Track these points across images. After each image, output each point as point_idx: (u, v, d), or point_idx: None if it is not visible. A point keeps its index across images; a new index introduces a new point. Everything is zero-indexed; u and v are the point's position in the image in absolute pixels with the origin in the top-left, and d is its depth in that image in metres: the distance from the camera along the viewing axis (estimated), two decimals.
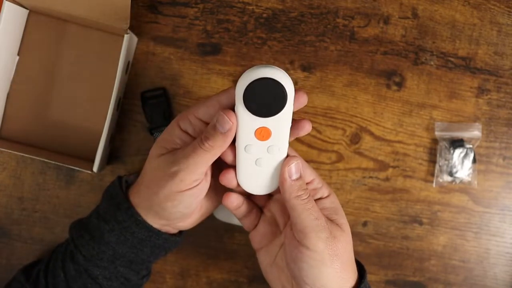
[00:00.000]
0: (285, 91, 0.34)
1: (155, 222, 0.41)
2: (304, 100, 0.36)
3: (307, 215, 0.37)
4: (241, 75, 0.34)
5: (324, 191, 0.40)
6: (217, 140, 0.35)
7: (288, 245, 0.39)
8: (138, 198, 0.41)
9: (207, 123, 0.37)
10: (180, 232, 0.45)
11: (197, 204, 0.40)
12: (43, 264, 0.46)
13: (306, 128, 0.37)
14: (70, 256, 0.43)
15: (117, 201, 0.41)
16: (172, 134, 0.38)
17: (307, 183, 0.40)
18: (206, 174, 0.38)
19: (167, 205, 0.38)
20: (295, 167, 0.38)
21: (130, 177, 0.45)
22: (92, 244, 0.42)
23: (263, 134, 0.36)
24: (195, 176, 0.37)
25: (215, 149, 0.35)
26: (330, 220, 0.39)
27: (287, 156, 0.38)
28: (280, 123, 0.36)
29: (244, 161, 0.37)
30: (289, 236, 0.39)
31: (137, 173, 0.44)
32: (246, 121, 0.35)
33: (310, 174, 0.40)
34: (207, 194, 0.41)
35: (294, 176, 0.37)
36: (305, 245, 0.37)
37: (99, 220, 0.42)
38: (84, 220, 0.44)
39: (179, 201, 0.38)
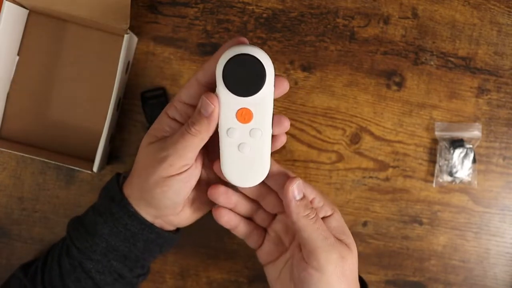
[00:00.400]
0: (264, 68, 0.33)
1: (147, 213, 0.41)
2: (285, 85, 0.36)
3: (317, 236, 0.37)
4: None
5: (327, 210, 0.40)
6: (202, 124, 0.35)
7: (296, 267, 0.39)
8: (130, 189, 0.41)
9: (191, 105, 0.38)
10: (177, 230, 0.45)
11: (187, 192, 0.39)
12: (41, 260, 0.46)
13: (285, 124, 0.37)
14: (66, 251, 0.43)
15: (112, 193, 0.42)
16: (161, 122, 0.39)
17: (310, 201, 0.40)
18: (196, 160, 0.38)
19: (156, 191, 0.38)
20: (298, 187, 0.38)
21: (128, 173, 0.45)
22: (86, 237, 0.42)
23: (244, 115, 0.35)
24: (184, 161, 0.37)
25: (202, 134, 0.36)
26: (338, 240, 0.39)
27: (289, 177, 0.38)
28: (261, 104, 0.35)
29: (227, 147, 0.37)
30: (297, 258, 0.39)
31: None
32: (226, 102, 0.35)
33: (310, 193, 0.39)
34: (199, 188, 0.41)
35: (298, 197, 0.37)
36: (314, 267, 0.37)
37: (95, 213, 0.42)
38: (81, 215, 0.45)
39: (168, 186, 0.38)
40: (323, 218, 0.40)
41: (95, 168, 0.48)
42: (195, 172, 0.39)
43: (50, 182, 0.54)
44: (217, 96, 0.35)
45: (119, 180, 0.43)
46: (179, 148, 0.36)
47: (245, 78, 0.33)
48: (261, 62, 0.33)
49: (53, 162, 0.49)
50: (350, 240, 0.39)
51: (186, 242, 0.54)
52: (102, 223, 0.41)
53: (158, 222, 0.42)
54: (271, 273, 0.43)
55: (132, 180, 0.41)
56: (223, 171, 0.38)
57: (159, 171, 0.37)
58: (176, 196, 0.39)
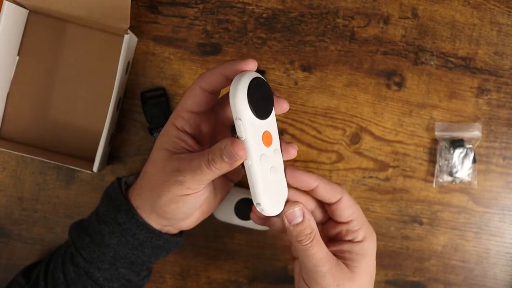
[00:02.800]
0: (271, 88, 0.34)
1: (157, 223, 0.41)
2: (285, 106, 0.37)
3: (308, 261, 0.37)
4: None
5: (358, 235, 0.39)
6: (223, 167, 0.35)
7: (299, 276, 0.40)
8: (140, 201, 0.41)
9: (199, 113, 0.38)
10: (181, 231, 0.45)
11: (202, 204, 0.40)
12: (42, 266, 0.46)
13: (292, 153, 0.37)
14: (70, 259, 0.43)
15: (117, 203, 0.41)
16: (169, 135, 0.38)
17: (345, 222, 0.39)
18: None
19: (171, 207, 0.38)
20: (299, 212, 0.37)
21: (129, 178, 0.45)
22: (92, 247, 0.42)
23: (267, 138, 0.35)
24: (202, 185, 0.37)
25: (221, 171, 0.35)
26: (347, 264, 0.38)
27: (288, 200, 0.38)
28: (273, 123, 0.35)
29: (261, 175, 0.34)
30: (298, 272, 0.40)
31: (136, 174, 0.44)
32: (253, 128, 0.33)
33: (350, 215, 0.39)
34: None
35: (296, 221, 0.37)
36: (309, 285, 0.38)
37: (99, 222, 0.42)
38: (84, 222, 0.44)
39: (183, 203, 0.38)
40: (350, 241, 0.39)
41: (95, 168, 0.48)
42: (210, 188, 0.39)
43: (50, 182, 0.54)
44: (241, 121, 0.33)
45: (121, 185, 0.43)
46: (196, 178, 0.36)
47: (262, 101, 0.34)
48: (268, 84, 0.34)
49: (53, 162, 0.49)
50: (362, 268, 0.39)
51: (186, 242, 0.54)
52: (109, 233, 0.41)
53: (165, 229, 0.42)
54: (297, 266, 0.43)
55: (142, 192, 0.40)
56: (261, 204, 0.35)
57: (175, 190, 0.37)
58: (190, 210, 0.39)
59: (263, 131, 0.34)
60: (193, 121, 0.38)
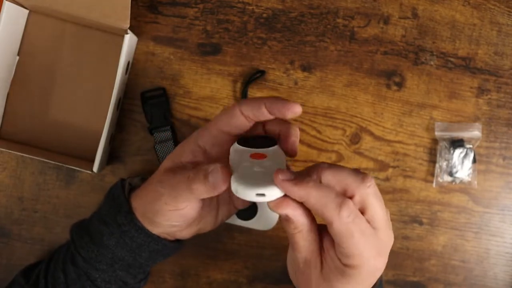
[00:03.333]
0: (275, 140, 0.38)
1: (151, 229, 0.41)
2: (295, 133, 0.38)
3: (290, 240, 0.36)
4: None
5: (346, 260, 0.34)
6: (204, 191, 0.35)
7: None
8: (138, 201, 0.41)
9: (228, 135, 0.38)
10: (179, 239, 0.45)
11: (189, 220, 0.39)
12: (43, 265, 0.46)
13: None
14: (70, 258, 0.43)
15: (118, 203, 0.41)
16: (184, 145, 0.39)
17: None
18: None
19: (157, 216, 0.39)
20: (285, 215, 0.34)
21: (134, 179, 0.45)
22: (91, 247, 0.42)
23: (258, 156, 0.35)
24: (179, 204, 0.37)
25: (201, 195, 0.35)
26: (323, 267, 0.36)
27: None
28: (274, 153, 0.36)
29: (241, 167, 0.34)
30: None
31: (142, 175, 0.44)
32: (240, 150, 0.36)
33: (341, 243, 0.33)
34: (205, 209, 0.40)
35: (283, 217, 0.34)
36: (290, 257, 0.39)
37: (100, 222, 0.42)
38: (86, 221, 0.44)
39: (168, 216, 0.38)
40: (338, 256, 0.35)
41: (95, 168, 0.48)
42: (194, 208, 0.38)
43: (50, 182, 0.54)
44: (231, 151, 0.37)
45: (124, 187, 0.43)
46: (172, 194, 0.36)
47: (253, 140, 0.37)
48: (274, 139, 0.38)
49: (53, 162, 0.49)
50: (329, 279, 0.35)
51: (186, 242, 0.54)
52: (109, 234, 0.41)
53: (162, 235, 0.42)
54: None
55: (143, 194, 0.41)
56: (232, 184, 0.33)
57: (158, 203, 0.37)
58: (177, 222, 0.39)
59: (253, 152, 0.36)
60: (218, 139, 0.38)
